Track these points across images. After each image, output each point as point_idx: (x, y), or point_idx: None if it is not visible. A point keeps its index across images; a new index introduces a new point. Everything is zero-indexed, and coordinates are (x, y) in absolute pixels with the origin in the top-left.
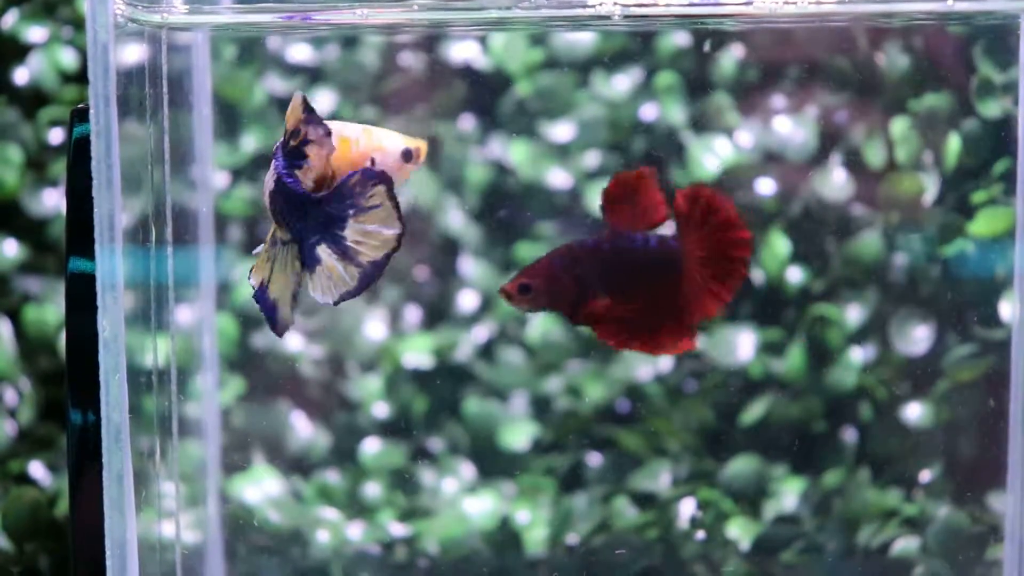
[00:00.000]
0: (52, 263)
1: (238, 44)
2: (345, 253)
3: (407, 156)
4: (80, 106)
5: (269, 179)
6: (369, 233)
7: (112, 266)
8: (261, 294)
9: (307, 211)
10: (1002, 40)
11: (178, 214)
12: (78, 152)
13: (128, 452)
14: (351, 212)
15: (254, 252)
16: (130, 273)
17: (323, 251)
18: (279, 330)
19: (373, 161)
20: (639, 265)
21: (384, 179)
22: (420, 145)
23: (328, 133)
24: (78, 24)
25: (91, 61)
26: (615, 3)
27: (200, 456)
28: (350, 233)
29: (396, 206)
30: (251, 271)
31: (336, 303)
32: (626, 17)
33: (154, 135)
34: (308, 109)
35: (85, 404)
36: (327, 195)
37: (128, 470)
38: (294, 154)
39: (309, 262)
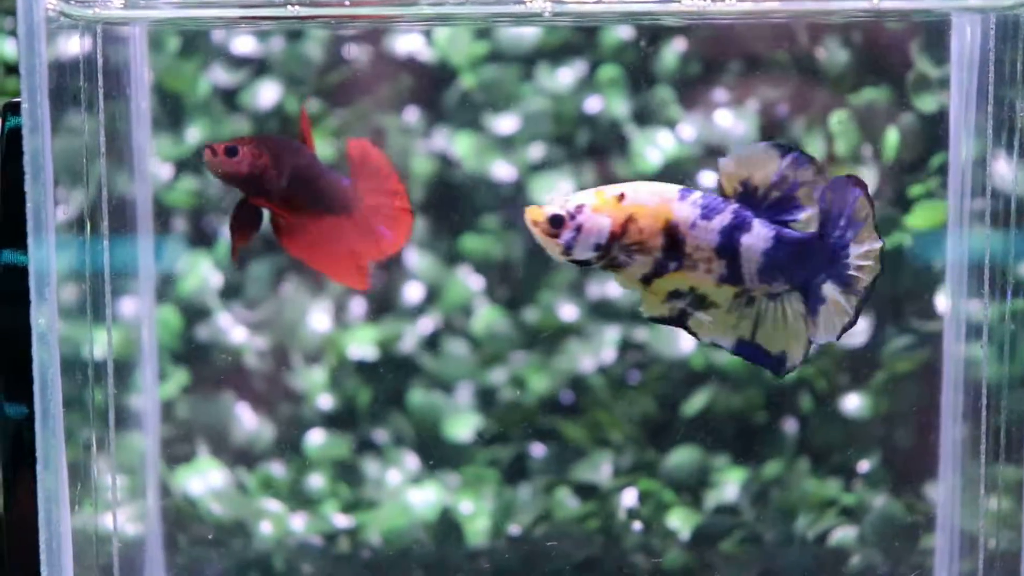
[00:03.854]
0: None
1: (181, 36)
2: (848, 283)
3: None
4: (12, 100)
5: (750, 242)
6: (866, 254)
7: (46, 260)
8: (747, 348)
9: (810, 253)
10: (937, 36)
11: (118, 206)
12: (10, 145)
13: (63, 445)
14: (849, 235)
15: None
16: (70, 265)
17: (829, 288)
18: (787, 370)
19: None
20: (314, 184)
21: (859, 182)
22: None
23: (820, 169)
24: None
25: (23, 55)
26: (545, 0)
27: (141, 448)
28: (853, 260)
29: (874, 214)
30: (695, 329)
31: (838, 338)
32: (558, 15)
33: (90, 128)
34: (786, 151)
35: (19, 398)
36: (821, 226)
37: (63, 463)
38: (783, 204)
39: (814, 304)
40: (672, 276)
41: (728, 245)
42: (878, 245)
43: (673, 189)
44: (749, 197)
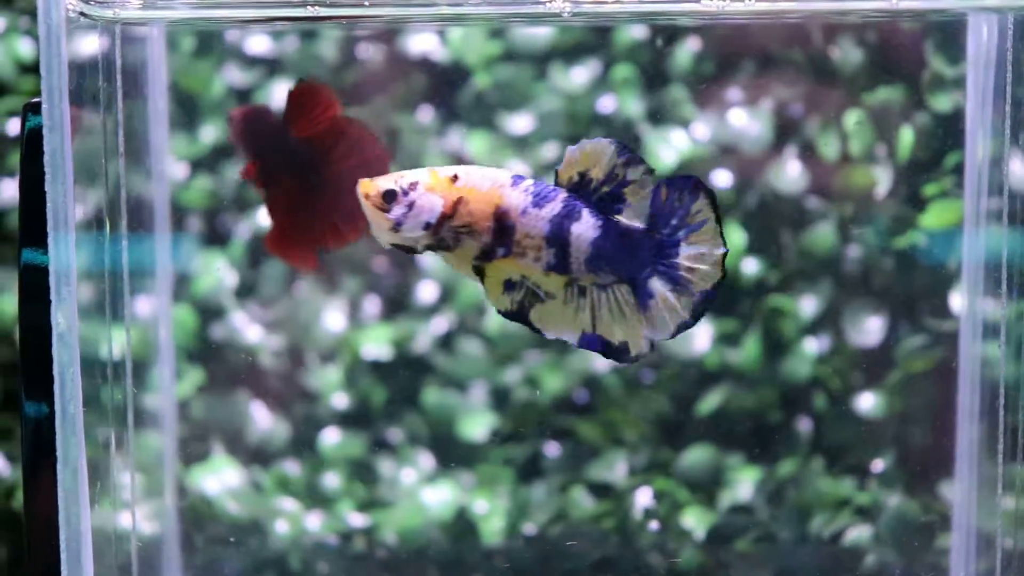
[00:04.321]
0: (9, 254)
1: (196, 36)
2: (677, 282)
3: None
4: (33, 100)
5: (580, 231)
6: (700, 256)
7: (66, 259)
8: (590, 339)
9: (638, 246)
10: (952, 35)
11: (136, 205)
12: (31, 145)
13: (83, 444)
14: (681, 235)
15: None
16: (87, 264)
17: (657, 284)
18: (632, 359)
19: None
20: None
21: (703, 187)
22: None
23: (650, 170)
24: (35, 14)
25: (43, 56)
26: (565, 1)
27: (158, 447)
28: (683, 260)
29: (719, 219)
30: (539, 325)
31: (672, 337)
32: (576, 15)
33: (109, 127)
34: (623, 150)
35: (40, 396)
36: (651, 222)
37: (83, 462)
38: (611, 198)
39: (643, 299)
40: (501, 262)
41: (558, 233)
42: (719, 252)
43: (506, 175)
44: (581, 188)
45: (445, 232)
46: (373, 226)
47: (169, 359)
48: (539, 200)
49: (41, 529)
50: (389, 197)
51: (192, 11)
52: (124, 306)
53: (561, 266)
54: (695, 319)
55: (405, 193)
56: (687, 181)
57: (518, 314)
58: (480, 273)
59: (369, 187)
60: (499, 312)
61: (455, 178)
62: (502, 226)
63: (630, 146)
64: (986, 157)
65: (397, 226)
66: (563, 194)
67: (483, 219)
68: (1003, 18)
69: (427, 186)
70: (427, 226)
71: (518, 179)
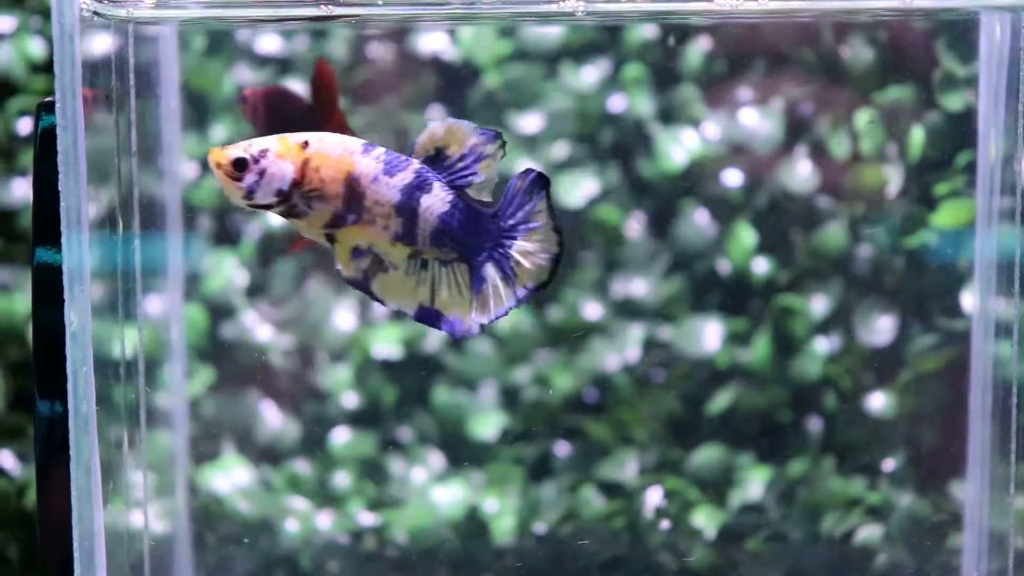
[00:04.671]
0: (21, 253)
1: (207, 35)
2: (505, 272)
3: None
4: (47, 100)
5: (429, 203)
6: (530, 252)
7: (79, 258)
8: (427, 313)
9: (482, 228)
10: (964, 34)
11: (147, 204)
12: (44, 144)
13: (96, 443)
14: (521, 228)
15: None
16: (99, 263)
17: (491, 270)
18: (464, 335)
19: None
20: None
21: (545, 183)
22: (214, 154)
23: (503, 144)
24: (46, 13)
25: (57, 55)
26: (578, 0)
27: (169, 446)
28: (514, 252)
29: (556, 225)
30: (380, 295)
31: (488, 322)
32: (589, 14)
33: (121, 127)
34: (486, 132)
35: (53, 395)
36: (502, 206)
37: (95, 461)
38: (464, 171)
39: (477, 282)
40: (351, 229)
41: (407, 203)
42: (549, 253)
43: (357, 143)
44: (436, 162)
45: (297, 198)
46: (227, 193)
47: (181, 358)
48: (390, 168)
49: (54, 527)
50: (240, 165)
51: (204, 10)
52: (136, 305)
53: (408, 237)
54: (511, 307)
55: (256, 161)
56: (537, 180)
57: (362, 283)
58: (331, 240)
59: (220, 156)
60: (344, 279)
61: (305, 144)
62: (352, 193)
63: (497, 132)
64: (998, 156)
65: (250, 194)
66: (415, 164)
67: (333, 185)
68: (1016, 17)
69: (277, 153)
70: (279, 192)
71: (369, 147)
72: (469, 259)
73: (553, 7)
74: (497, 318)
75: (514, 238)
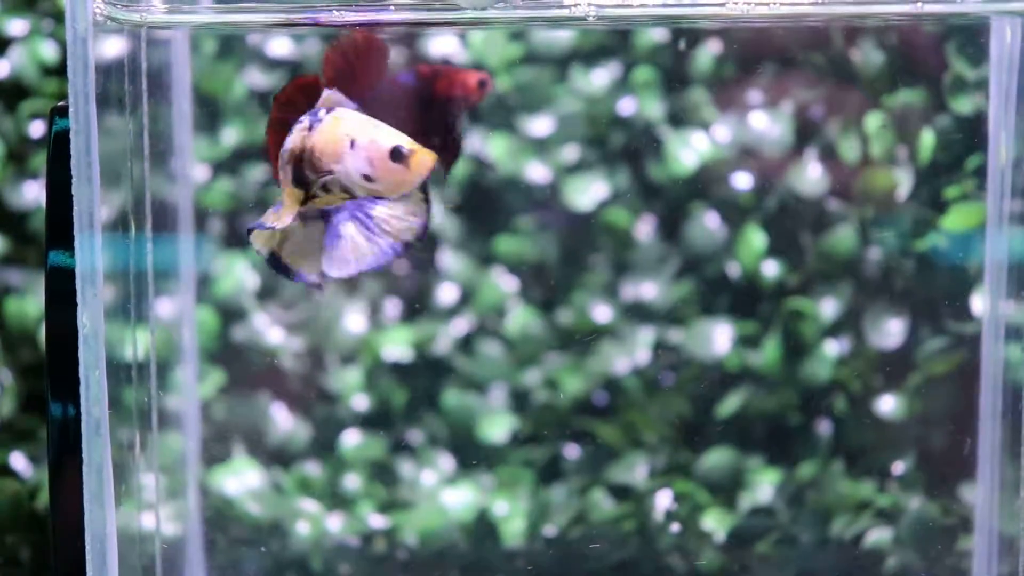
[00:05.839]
0: (33, 255)
1: (218, 39)
2: (369, 230)
3: (396, 155)
4: (60, 104)
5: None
6: (396, 217)
7: (92, 262)
8: (275, 262)
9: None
10: (974, 37)
11: (159, 207)
12: (57, 147)
13: (108, 445)
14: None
15: (265, 225)
16: (111, 266)
17: (351, 228)
18: (313, 285)
19: (353, 143)
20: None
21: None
22: (418, 151)
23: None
24: (59, 17)
25: (70, 59)
26: (589, 4)
27: (180, 448)
28: (379, 212)
29: (426, 196)
30: (258, 238)
31: (350, 275)
32: (600, 18)
33: (134, 130)
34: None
35: (65, 397)
36: None
37: (108, 463)
38: None
39: (332, 238)
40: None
41: None
42: (417, 216)
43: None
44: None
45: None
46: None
47: (192, 360)
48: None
49: (66, 529)
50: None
51: (217, 15)
52: (148, 308)
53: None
54: (378, 266)
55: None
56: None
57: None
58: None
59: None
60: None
61: None
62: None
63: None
64: (1009, 159)
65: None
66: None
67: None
68: None
69: None
70: None
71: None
72: (328, 216)
73: (564, 12)
74: (365, 270)
75: (375, 202)
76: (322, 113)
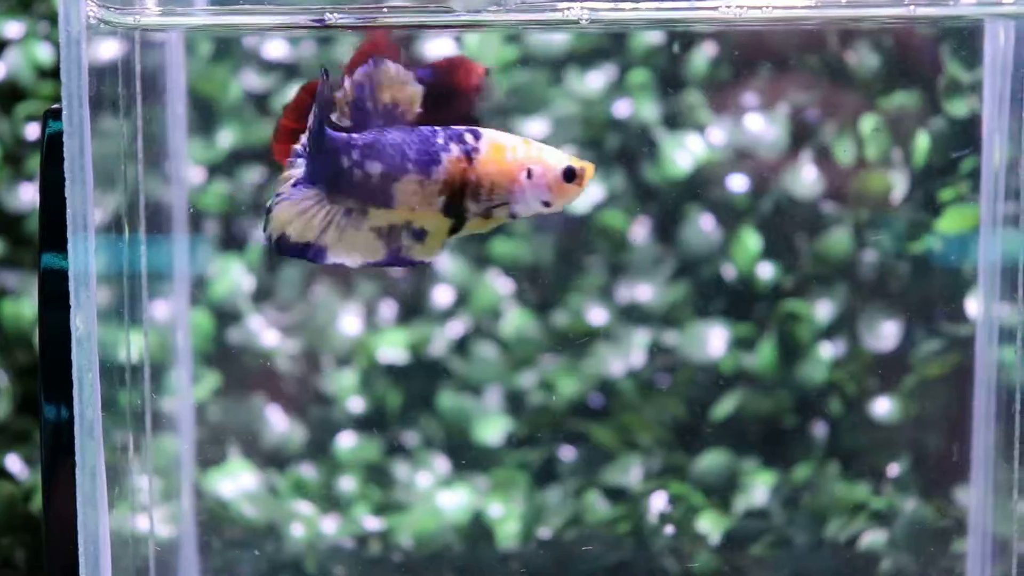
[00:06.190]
0: (29, 258)
1: (214, 41)
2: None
3: (570, 175)
4: (54, 106)
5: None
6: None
7: (85, 263)
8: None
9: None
10: (969, 40)
11: (154, 209)
12: (51, 149)
13: (101, 447)
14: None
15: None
16: (106, 268)
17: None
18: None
19: (530, 172)
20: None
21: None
22: (586, 166)
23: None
24: (54, 20)
25: (64, 61)
26: (582, 8)
27: (175, 451)
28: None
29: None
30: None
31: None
32: (593, 22)
33: (128, 132)
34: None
35: (58, 399)
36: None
37: (101, 465)
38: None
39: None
40: None
41: None
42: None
43: None
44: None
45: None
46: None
47: (187, 363)
48: None
49: (59, 532)
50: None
51: (211, 17)
52: (142, 310)
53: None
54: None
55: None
56: None
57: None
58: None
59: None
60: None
61: None
62: None
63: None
64: (1003, 162)
65: None
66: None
67: None
68: (1020, 24)
69: None
70: None
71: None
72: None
73: (557, 15)
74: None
75: None
76: (469, 138)
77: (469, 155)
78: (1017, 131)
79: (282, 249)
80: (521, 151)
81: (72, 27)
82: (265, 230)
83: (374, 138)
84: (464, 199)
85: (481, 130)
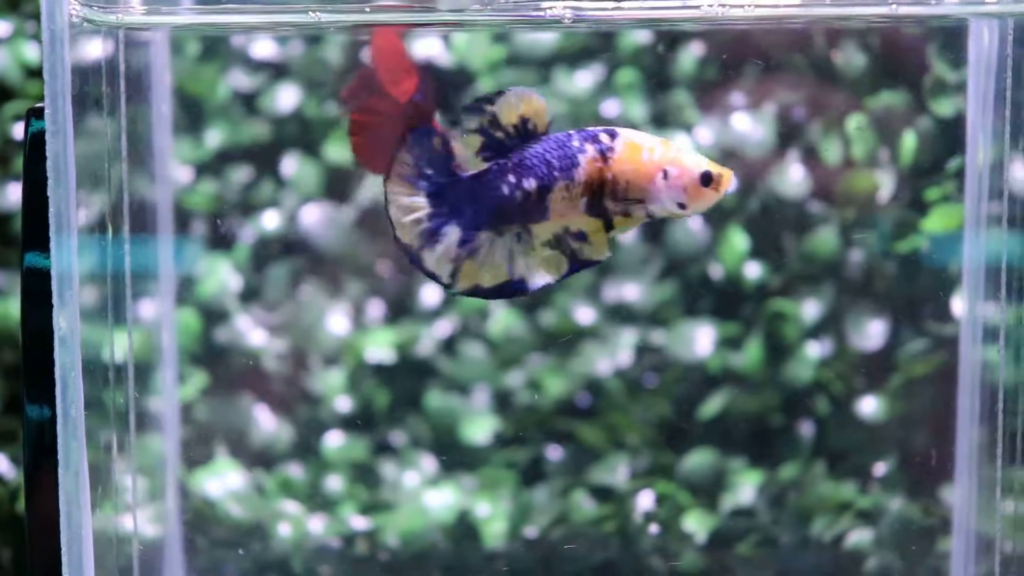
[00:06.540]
0: (16, 257)
1: (201, 40)
2: None
3: (707, 180)
4: (37, 105)
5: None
6: None
7: (68, 262)
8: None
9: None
10: (954, 40)
11: (139, 209)
12: (34, 149)
13: (84, 447)
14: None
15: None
16: (92, 268)
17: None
18: None
19: (666, 174)
20: None
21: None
22: (724, 172)
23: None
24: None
25: (46, 60)
26: (565, 7)
27: (161, 450)
28: None
29: None
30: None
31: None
32: (577, 21)
33: (112, 131)
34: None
35: (42, 399)
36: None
37: (84, 465)
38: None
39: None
40: None
41: None
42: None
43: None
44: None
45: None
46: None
47: (172, 363)
48: None
49: (42, 532)
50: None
51: (196, 16)
52: (128, 309)
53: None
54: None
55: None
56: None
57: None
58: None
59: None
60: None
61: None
62: None
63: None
64: (987, 161)
65: None
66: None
67: None
68: (1004, 23)
69: None
70: None
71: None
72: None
73: (540, 14)
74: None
75: None
76: (604, 138)
77: (604, 154)
78: (1001, 131)
79: (481, 294)
80: (659, 152)
81: (54, 25)
82: (451, 288)
83: (520, 156)
84: (603, 198)
85: (617, 129)
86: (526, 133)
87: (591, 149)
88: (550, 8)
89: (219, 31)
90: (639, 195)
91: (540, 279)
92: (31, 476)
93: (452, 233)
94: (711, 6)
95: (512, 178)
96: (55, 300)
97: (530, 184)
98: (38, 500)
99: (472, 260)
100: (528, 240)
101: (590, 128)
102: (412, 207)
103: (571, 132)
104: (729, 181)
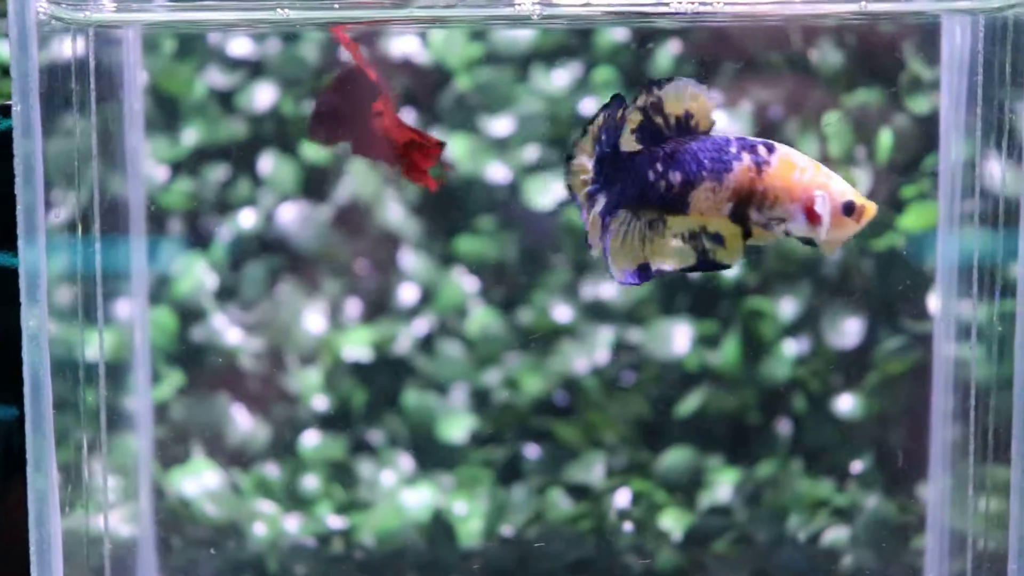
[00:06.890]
0: None
1: (177, 38)
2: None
3: (849, 209)
4: (3, 103)
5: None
6: None
7: (36, 261)
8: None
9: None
10: (929, 37)
11: (112, 208)
12: (2, 148)
13: (52, 447)
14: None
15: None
16: (65, 268)
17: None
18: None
19: (813, 198)
20: None
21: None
22: (868, 205)
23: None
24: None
25: (13, 58)
26: (534, 3)
27: (135, 450)
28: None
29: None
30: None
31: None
32: (546, 17)
33: (83, 130)
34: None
35: (9, 399)
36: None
37: (53, 465)
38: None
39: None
40: None
41: None
42: None
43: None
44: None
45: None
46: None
47: (145, 362)
48: None
49: (12, 533)
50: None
51: (168, 14)
52: (98, 308)
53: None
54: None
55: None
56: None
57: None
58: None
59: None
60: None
61: None
62: None
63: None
64: (960, 159)
65: None
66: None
67: None
68: (975, 20)
69: None
70: None
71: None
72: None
73: (509, 10)
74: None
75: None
76: (762, 151)
77: (759, 166)
78: (974, 128)
79: (621, 278)
80: (810, 173)
81: (22, 23)
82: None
83: (673, 148)
84: (749, 207)
85: (776, 144)
86: (687, 128)
87: (747, 158)
88: (518, 3)
89: (191, 28)
90: (783, 213)
91: (660, 265)
92: (0, 476)
93: (600, 202)
94: (680, 2)
95: (660, 167)
96: (23, 299)
97: (675, 178)
98: (7, 501)
99: (617, 241)
100: (660, 229)
101: (750, 138)
102: (582, 167)
103: (730, 137)
104: (872, 214)
